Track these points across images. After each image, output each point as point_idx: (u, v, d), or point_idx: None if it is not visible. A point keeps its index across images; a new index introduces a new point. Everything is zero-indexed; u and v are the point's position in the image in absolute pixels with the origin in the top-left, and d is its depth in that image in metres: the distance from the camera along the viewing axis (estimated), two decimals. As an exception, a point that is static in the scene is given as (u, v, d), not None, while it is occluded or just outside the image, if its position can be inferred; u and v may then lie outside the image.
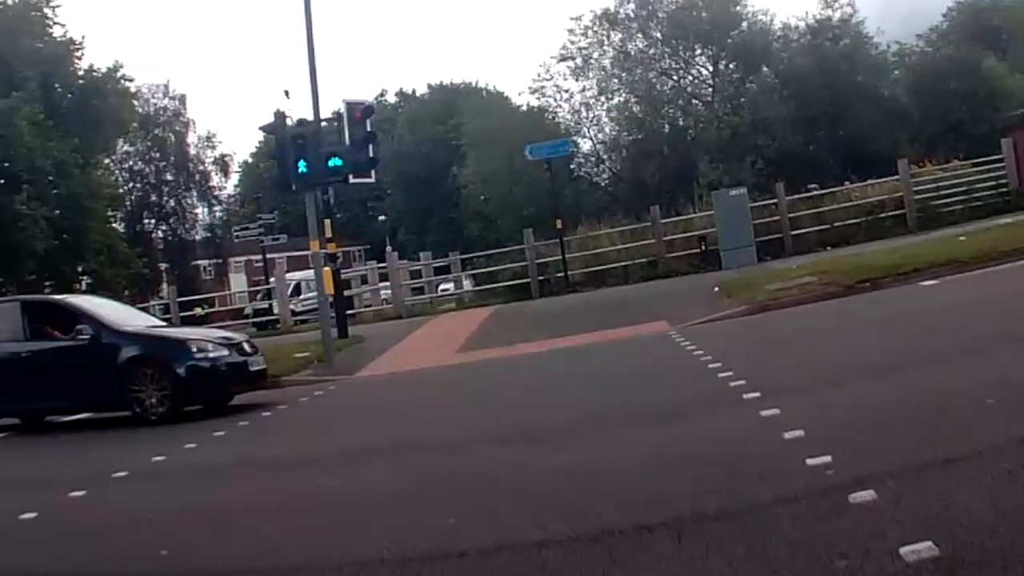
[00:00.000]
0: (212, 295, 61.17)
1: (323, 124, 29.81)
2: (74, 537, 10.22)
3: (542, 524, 8.23)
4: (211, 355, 19.68)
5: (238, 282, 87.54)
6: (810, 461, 8.70)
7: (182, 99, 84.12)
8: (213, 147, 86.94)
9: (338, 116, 30.92)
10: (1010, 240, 25.58)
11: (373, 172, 30.85)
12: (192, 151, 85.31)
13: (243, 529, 9.79)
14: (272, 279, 51.02)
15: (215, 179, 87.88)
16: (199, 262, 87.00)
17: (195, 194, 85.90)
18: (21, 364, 19.85)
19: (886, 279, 24.26)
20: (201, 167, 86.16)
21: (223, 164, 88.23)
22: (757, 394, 12.37)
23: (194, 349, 19.71)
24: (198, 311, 53.44)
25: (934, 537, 6.37)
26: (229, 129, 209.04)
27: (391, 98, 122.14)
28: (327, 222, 30.64)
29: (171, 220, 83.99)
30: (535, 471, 10.71)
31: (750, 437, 10.51)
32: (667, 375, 16.91)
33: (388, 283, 45.50)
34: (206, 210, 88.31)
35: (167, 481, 13.11)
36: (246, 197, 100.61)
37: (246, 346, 20.80)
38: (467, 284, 50.48)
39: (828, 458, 8.69)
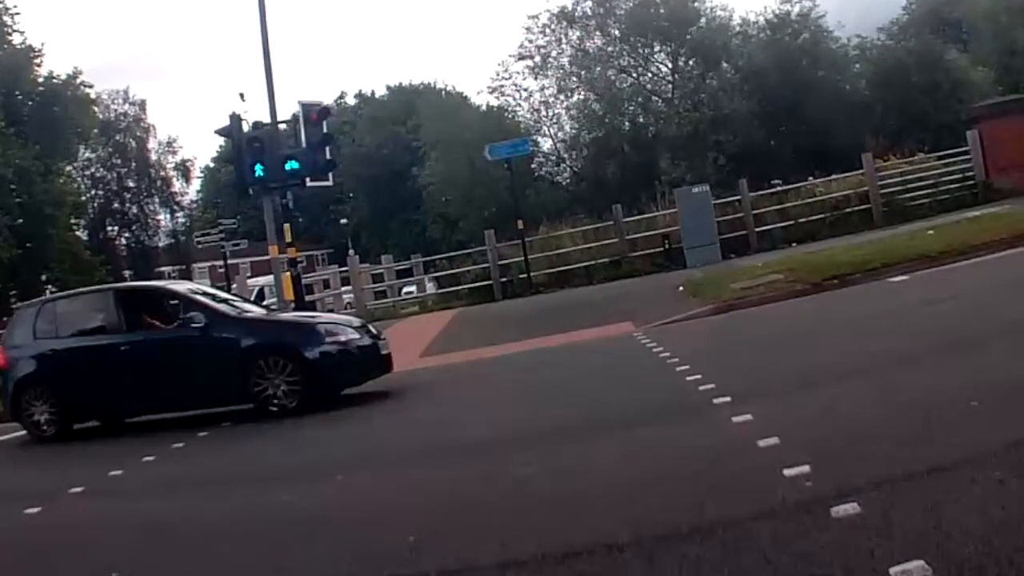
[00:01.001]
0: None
1: (281, 127, 29.31)
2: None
3: (505, 543, 7.87)
4: (342, 339, 18.45)
5: None
6: (787, 471, 8.27)
7: (142, 105, 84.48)
8: (174, 152, 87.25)
9: (294, 118, 30.38)
10: (980, 234, 25.26)
11: (331, 175, 30.24)
12: (153, 157, 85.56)
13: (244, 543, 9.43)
14: (234, 285, 50.42)
15: (176, 185, 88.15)
16: (162, 268, 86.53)
17: (157, 200, 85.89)
18: (121, 359, 18.54)
19: (855, 275, 23.80)
20: (162, 173, 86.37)
21: (184, 169, 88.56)
22: (727, 398, 11.91)
23: (325, 333, 18.59)
24: None
25: (926, 556, 5.99)
26: (190, 134, 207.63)
27: (351, 100, 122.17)
28: (287, 226, 29.85)
29: (134, 227, 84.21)
30: (498, 484, 10.27)
31: (722, 445, 10.03)
32: (633, 379, 16.33)
33: (350, 287, 45.11)
34: (168, 216, 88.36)
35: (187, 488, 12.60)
36: (208, 202, 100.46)
37: (372, 328, 19.85)
38: (430, 287, 49.95)
39: (806, 468, 8.26)
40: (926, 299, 18.46)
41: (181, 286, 21.84)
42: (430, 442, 13.50)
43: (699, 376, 13.88)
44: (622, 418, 12.66)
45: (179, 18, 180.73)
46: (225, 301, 20.37)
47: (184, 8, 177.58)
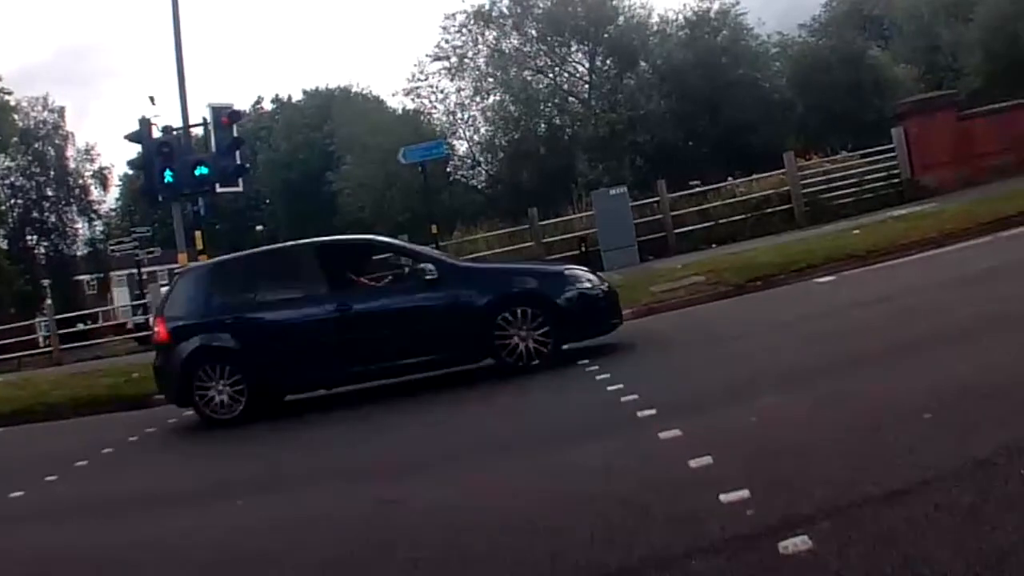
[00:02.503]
0: (95, 310, 61.36)
1: (194, 131, 28.73)
2: None
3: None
4: (585, 285, 17.19)
5: (121, 296, 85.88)
6: (725, 497, 7.43)
7: (61, 112, 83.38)
8: (92, 160, 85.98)
9: (204, 122, 29.42)
10: (907, 232, 24.58)
11: (243, 180, 29.48)
12: (72, 165, 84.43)
13: None
14: (148, 294, 49.81)
15: (94, 193, 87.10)
16: (82, 277, 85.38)
17: (75, 208, 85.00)
18: (331, 323, 16.86)
19: (779, 276, 22.96)
20: (80, 181, 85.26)
21: (102, 177, 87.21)
22: (653, 411, 11.00)
23: (572, 279, 17.30)
24: (80, 326, 52.73)
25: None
26: (109, 141, 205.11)
27: (268, 105, 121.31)
28: (198, 233, 29.06)
29: (52, 235, 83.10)
30: (401, 513, 9.32)
31: (650, 466, 9.11)
32: (550, 390, 15.18)
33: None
34: (86, 225, 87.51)
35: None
36: (125, 210, 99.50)
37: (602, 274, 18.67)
38: None
39: (745, 492, 7.43)
40: (856, 301, 17.62)
41: (383, 238, 20.70)
42: (333, 461, 12.61)
43: (620, 386, 12.94)
44: (538, 433, 11.84)
45: (97, 23, 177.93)
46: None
47: (102, 14, 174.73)
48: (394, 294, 17.55)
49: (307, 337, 16.97)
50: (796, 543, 6.23)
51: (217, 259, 19.23)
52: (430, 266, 16.96)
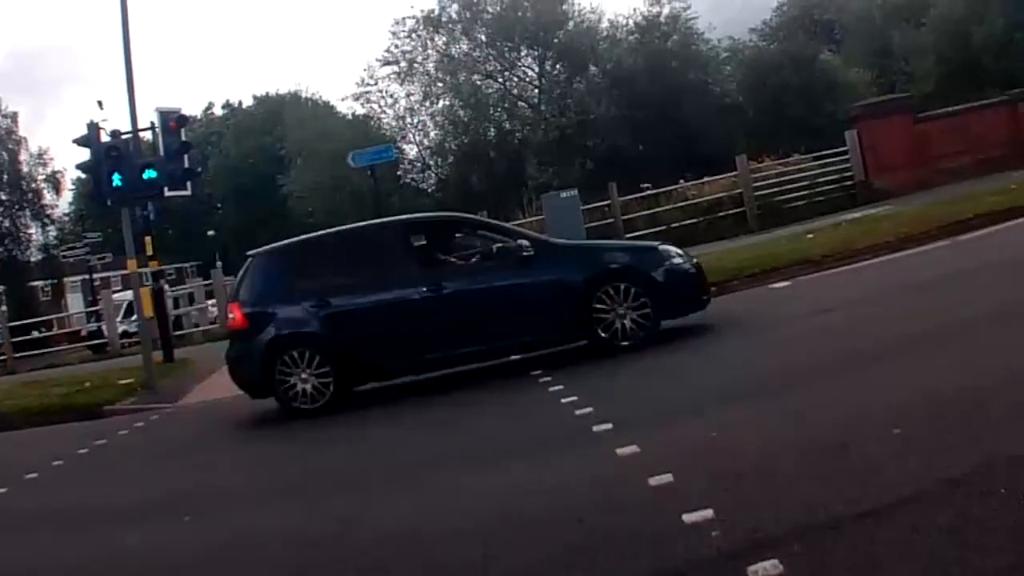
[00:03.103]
0: (49, 317, 61.00)
1: (144, 135, 28.57)
2: None
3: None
4: (677, 261, 16.74)
5: (75, 303, 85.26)
6: (688, 517, 7.05)
7: (14, 117, 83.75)
8: (45, 164, 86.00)
9: (152, 127, 29.08)
10: (863, 237, 24.27)
11: (191, 184, 29.20)
12: (25, 169, 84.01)
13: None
14: (100, 300, 49.43)
15: (48, 197, 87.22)
16: (36, 283, 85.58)
17: (28, 213, 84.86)
18: (426, 304, 16.17)
19: (733, 282, 22.46)
20: (33, 185, 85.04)
21: (55, 181, 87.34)
22: (609, 425, 10.58)
23: (664, 253, 16.81)
24: (35, 333, 52.58)
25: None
26: (62, 145, 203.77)
27: (219, 111, 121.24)
28: (148, 239, 29.34)
29: (6, 240, 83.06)
30: (353, 534, 8.91)
31: (608, 484, 8.65)
32: (499, 401, 14.74)
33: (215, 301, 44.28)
34: (40, 229, 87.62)
35: None
36: (78, 215, 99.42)
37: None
38: None
39: (709, 512, 7.06)
40: (814, 308, 17.14)
41: (470, 215, 20.32)
42: (280, 477, 12.22)
43: (575, 398, 12.48)
44: (488, 448, 11.40)
45: (53, 29, 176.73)
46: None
47: (56, 19, 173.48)
48: (488, 273, 16.97)
49: (399, 321, 16.35)
50: (767, 567, 5.89)
51: (297, 239, 18.46)
52: (526, 243, 16.47)
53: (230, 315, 17.12)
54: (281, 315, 16.54)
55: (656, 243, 18.12)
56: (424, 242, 17.57)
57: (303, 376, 16.04)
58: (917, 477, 7.03)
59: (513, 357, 16.83)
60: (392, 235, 17.56)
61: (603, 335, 15.93)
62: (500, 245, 17.02)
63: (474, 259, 17.65)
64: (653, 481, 8.07)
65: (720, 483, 7.83)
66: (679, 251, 17.16)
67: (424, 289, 16.19)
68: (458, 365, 16.76)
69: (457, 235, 18.37)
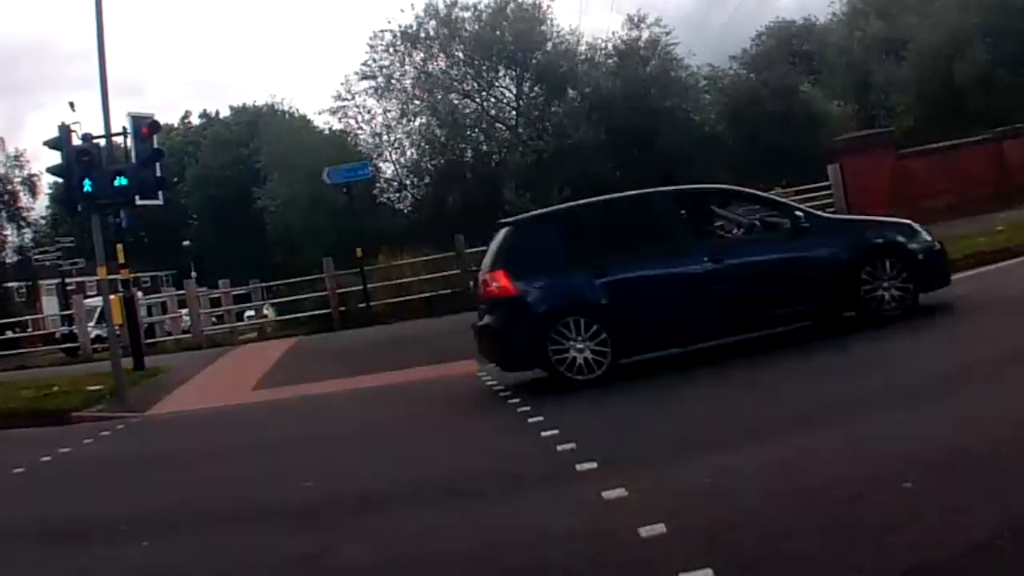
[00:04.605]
0: (24, 318, 61.40)
1: (117, 141, 28.87)
2: None
3: None
4: (927, 238, 17.11)
5: (51, 305, 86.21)
6: (683, 578, 6.31)
7: None
8: (21, 167, 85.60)
9: (124, 132, 28.65)
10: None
11: (161, 194, 28.79)
12: (1, 171, 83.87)
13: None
14: (73, 306, 49.64)
15: (23, 199, 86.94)
16: (11, 284, 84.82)
17: (4, 215, 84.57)
18: (702, 276, 16.20)
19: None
20: (9, 187, 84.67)
21: (31, 184, 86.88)
22: (593, 464, 9.93)
23: (917, 230, 17.14)
24: (9, 334, 53.35)
25: None
26: (42, 150, 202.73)
27: (195, 120, 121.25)
28: (119, 246, 29.23)
29: None
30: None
31: (594, 534, 7.91)
32: (478, 433, 14.20)
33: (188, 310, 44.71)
34: (15, 232, 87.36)
35: None
36: (55, 219, 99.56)
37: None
38: (270, 313, 49.27)
39: (709, 573, 6.39)
40: (810, 345, 16.69)
41: (740, 188, 20.00)
42: (231, 504, 11.40)
43: (556, 431, 11.82)
44: (464, 487, 10.52)
45: (30, 29, 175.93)
46: None
47: (36, 19, 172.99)
48: (765, 244, 17.10)
49: (679, 291, 16.37)
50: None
51: (563, 207, 18.55)
52: (801, 215, 16.84)
53: (492, 284, 16.66)
54: (556, 283, 16.43)
55: (909, 221, 17.99)
56: (696, 213, 17.51)
57: (579, 346, 15.79)
58: (933, 540, 6.46)
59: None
60: (665, 204, 17.59)
61: (870, 305, 16.35)
62: (766, 217, 17.44)
63: (741, 230, 17.63)
64: (644, 532, 7.48)
65: (718, 538, 7.24)
66: (928, 229, 17.50)
67: (706, 260, 16.27)
68: (724, 336, 16.91)
69: (727, 206, 18.32)
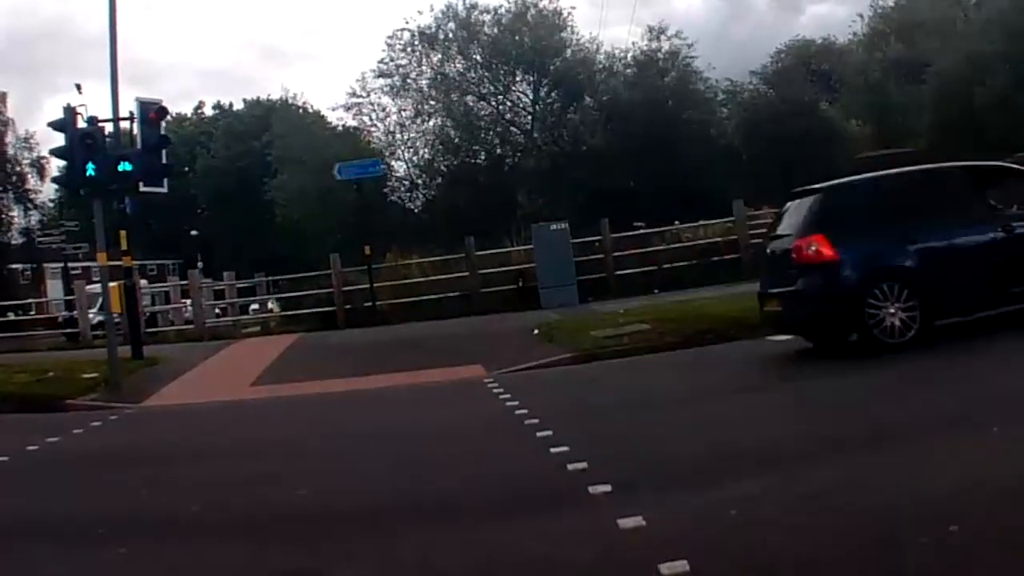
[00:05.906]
0: (28, 301, 61.95)
1: (123, 125, 28.49)
2: None
3: None
4: None
5: (55, 289, 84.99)
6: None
7: (2, 98, 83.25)
8: (31, 148, 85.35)
9: (130, 116, 28.08)
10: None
11: (166, 182, 28.19)
12: (10, 151, 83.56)
13: None
14: (75, 290, 48.97)
15: (31, 181, 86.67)
16: (16, 266, 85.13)
17: (12, 196, 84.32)
18: (995, 245, 16.90)
19: (731, 331, 21.50)
20: (18, 168, 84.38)
21: (39, 167, 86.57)
22: (607, 487, 9.24)
23: None
24: (11, 315, 52.91)
25: None
26: (49, 131, 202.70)
27: (209, 111, 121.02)
28: (123, 233, 28.74)
29: None
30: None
31: (608, 569, 7.27)
32: (483, 444, 13.49)
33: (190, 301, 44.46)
34: (22, 213, 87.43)
35: None
36: (61, 202, 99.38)
37: None
38: (274, 307, 49.05)
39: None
40: (823, 368, 16.12)
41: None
42: (216, 513, 10.70)
43: (566, 448, 11.20)
44: (467, 502, 9.95)
45: (48, 12, 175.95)
46: None
47: (55, 6, 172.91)
48: None
49: (978, 259, 16.93)
50: None
51: (868, 176, 18.56)
52: None
53: (809, 248, 16.97)
54: (872, 249, 16.94)
55: None
56: (985, 186, 17.97)
57: (891, 310, 16.31)
58: None
59: None
60: (960, 178, 18.03)
61: None
62: None
63: (1015, 206, 17.86)
64: (665, 569, 6.78)
65: (747, 576, 6.56)
66: None
67: (999, 229, 16.98)
68: (998, 308, 17.25)
69: (1009, 181, 18.75)
